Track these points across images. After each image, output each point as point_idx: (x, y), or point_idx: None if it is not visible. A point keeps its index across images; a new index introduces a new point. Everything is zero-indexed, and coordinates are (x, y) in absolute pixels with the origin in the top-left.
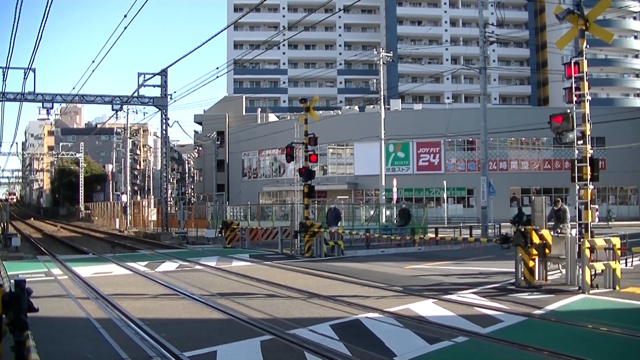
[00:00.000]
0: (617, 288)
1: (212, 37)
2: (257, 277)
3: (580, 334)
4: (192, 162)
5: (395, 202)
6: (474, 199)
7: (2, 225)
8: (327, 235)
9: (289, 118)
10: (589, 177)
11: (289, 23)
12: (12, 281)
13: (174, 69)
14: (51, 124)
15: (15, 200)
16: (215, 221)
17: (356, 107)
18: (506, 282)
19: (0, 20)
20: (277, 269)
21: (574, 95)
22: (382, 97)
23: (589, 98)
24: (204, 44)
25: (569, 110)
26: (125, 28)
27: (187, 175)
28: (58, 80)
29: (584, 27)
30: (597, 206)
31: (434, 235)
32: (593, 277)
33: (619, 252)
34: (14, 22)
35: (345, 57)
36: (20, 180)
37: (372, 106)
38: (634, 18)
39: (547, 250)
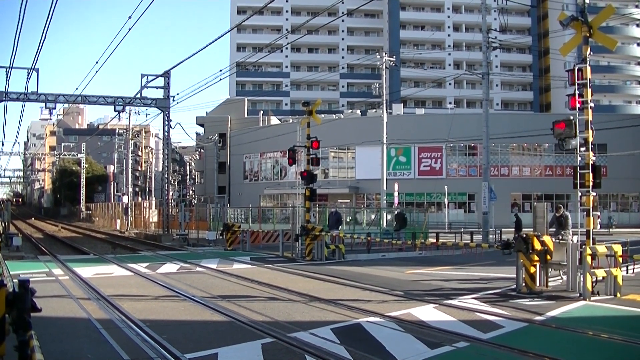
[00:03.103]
0: (618, 295)
1: (215, 40)
2: (258, 280)
3: (581, 340)
4: (193, 164)
5: (395, 206)
6: (475, 204)
7: (4, 225)
8: (328, 238)
9: (290, 121)
10: (591, 183)
11: (292, 26)
12: (16, 281)
13: (177, 70)
14: (53, 124)
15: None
16: (216, 223)
17: (358, 111)
18: (507, 288)
19: (4, 20)
20: (278, 272)
21: (577, 101)
22: (384, 102)
23: (592, 105)
24: (207, 46)
25: (572, 117)
26: (129, 29)
27: (188, 177)
28: (61, 81)
29: (587, 34)
30: (598, 213)
31: (435, 240)
32: (594, 284)
33: (620, 259)
34: (18, 22)
35: (348, 61)
36: (22, 180)
37: (374, 110)
38: (637, 25)
39: (548, 257)
